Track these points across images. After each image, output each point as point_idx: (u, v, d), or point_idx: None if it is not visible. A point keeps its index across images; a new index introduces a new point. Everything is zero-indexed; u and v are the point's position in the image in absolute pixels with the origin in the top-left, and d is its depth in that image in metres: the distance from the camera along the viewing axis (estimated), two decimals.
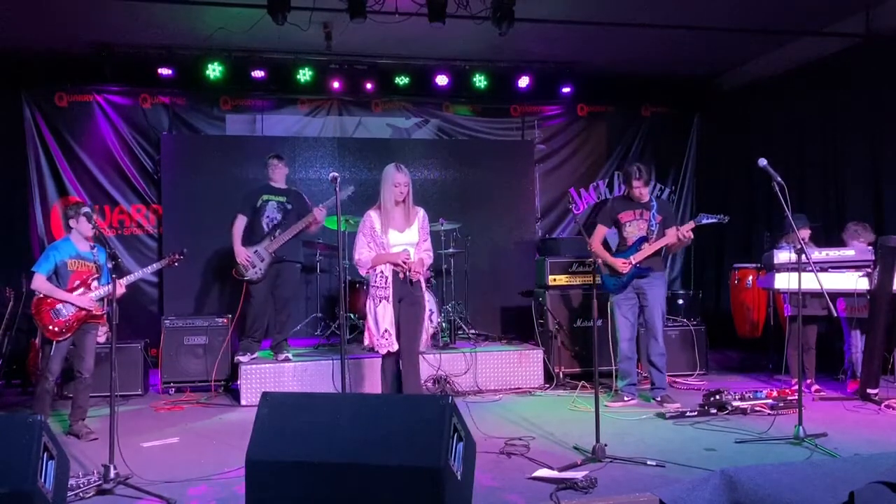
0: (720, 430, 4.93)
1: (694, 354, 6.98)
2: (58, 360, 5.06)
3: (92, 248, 5.20)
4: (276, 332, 6.49)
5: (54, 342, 5.00)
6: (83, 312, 5.06)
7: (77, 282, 5.08)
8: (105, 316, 5.17)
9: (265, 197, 6.43)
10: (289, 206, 6.43)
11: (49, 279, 5.03)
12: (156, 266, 5.80)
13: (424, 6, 5.94)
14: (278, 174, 6.49)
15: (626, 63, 8.24)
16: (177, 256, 5.59)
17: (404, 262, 4.75)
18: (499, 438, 4.70)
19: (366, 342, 4.97)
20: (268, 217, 6.39)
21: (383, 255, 4.79)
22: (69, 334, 5.04)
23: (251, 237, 6.37)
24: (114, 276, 4.38)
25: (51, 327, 4.98)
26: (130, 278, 5.28)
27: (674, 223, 5.87)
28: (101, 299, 5.13)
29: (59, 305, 5.00)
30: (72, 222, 5.18)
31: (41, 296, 5.01)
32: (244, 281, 6.36)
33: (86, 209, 5.14)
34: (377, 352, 4.89)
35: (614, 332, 5.92)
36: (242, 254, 6.27)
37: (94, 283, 5.13)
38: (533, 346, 6.95)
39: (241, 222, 6.38)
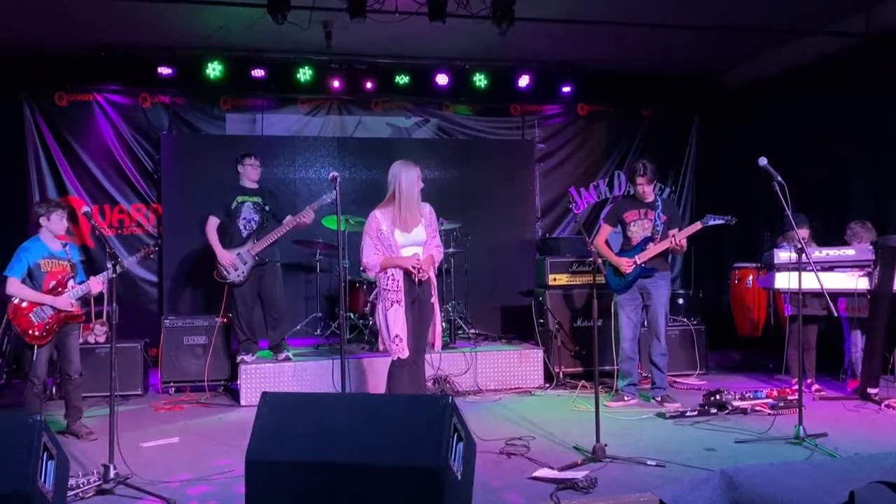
0: (720, 430, 4.93)
1: (694, 354, 6.98)
2: (41, 363, 4.93)
3: (64, 245, 5.08)
4: (271, 331, 6.49)
5: (35, 347, 4.86)
6: (63, 314, 4.93)
7: (53, 282, 4.94)
8: (104, 315, 5.15)
9: (240, 198, 6.36)
10: (266, 207, 6.39)
11: (23, 282, 4.88)
12: (132, 259, 5.63)
13: (424, 5, 5.94)
14: (254, 173, 6.41)
15: (626, 63, 8.23)
16: (152, 248, 5.46)
17: (414, 267, 4.60)
18: (499, 438, 4.70)
19: (380, 346, 4.86)
20: (244, 219, 6.34)
21: (392, 258, 4.62)
22: (50, 337, 4.91)
23: (228, 240, 6.33)
24: (114, 275, 4.35)
25: (31, 332, 4.84)
26: (107, 274, 4.96)
27: (678, 224, 5.87)
28: (80, 298, 5.02)
29: (37, 308, 4.86)
30: (42, 220, 5.00)
31: (17, 300, 4.86)
32: (226, 284, 6.34)
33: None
34: (387, 354, 4.75)
35: (618, 332, 5.92)
36: (227, 256, 6.23)
37: (71, 283, 4.99)
38: (533, 345, 6.95)
39: (214, 224, 6.34)
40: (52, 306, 4.90)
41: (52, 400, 6.06)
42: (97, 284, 5.01)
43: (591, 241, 5.24)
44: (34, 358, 4.88)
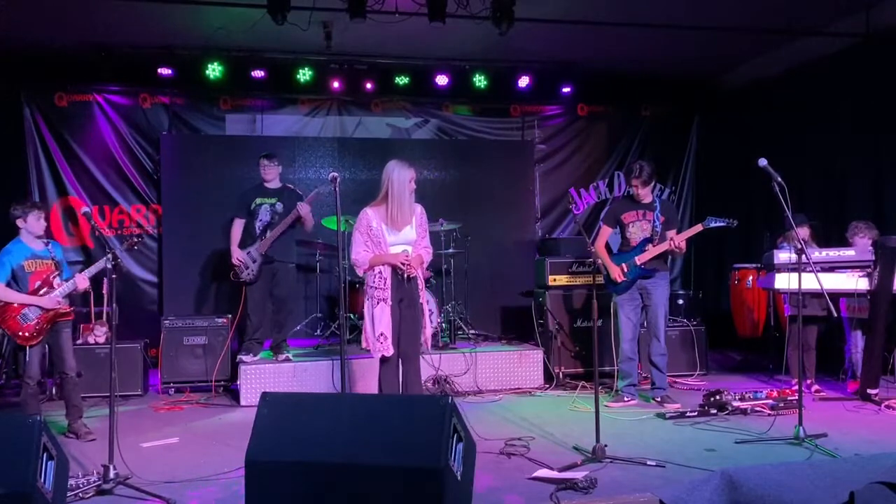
0: (720, 431, 4.93)
1: (694, 354, 6.98)
2: (35, 363, 4.93)
3: (46, 244, 5.09)
4: (276, 332, 6.50)
5: (28, 347, 4.86)
6: (51, 312, 4.94)
7: (38, 282, 4.94)
8: (105, 315, 5.15)
9: (258, 200, 6.45)
10: (279, 208, 6.42)
11: (8, 285, 4.87)
12: (119, 249, 5.55)
13: (424, 6, 5.94)
14: (269, 174, 6.47)
15: (626, 63, 8.23)
16: (135, 240, 5.48)
17: (403, 264, 4.65)
18: (499, 438, 4.70)
19: (363, 344, 4.86)
20: (260, 220, 6.42)
21: (381, 255, 4.67)
22: (41, 337, 4.91)
23: (247, 239, 6.42)
24: (114, 276, 4.34)
25: (21, 333, 4.85)
26: (92, 270, 5.01)
27: (676, 225, 5.89)
28: (67, 296, 5.02)
29: (24, 310, 4.86)
30: (19, 222, 4.98)
31: (3, 303, 4.85)
32: (240, 283, 6.40)
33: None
34: (372, 354, 4.79)
35: (618, 332, 5.92)
36: (235, 255, 6.34)
37: (57, 281, 4.99)
38: (533, 346, 6.94)
39: (238, 226, 6.45)
40: (38, 306, 4.90)
41: (52, 400, 6.06)
42: (83, 281, 5.01)
43: (592, 243, 5.23)
44: (28, 358, 4.88)
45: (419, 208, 4.86)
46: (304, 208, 6.24)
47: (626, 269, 5.76)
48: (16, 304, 4.86)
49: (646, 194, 5.81)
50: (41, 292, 4.93)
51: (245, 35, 6.87)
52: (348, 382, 5.52)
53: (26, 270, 4.94)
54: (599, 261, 5.73)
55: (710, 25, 6.94)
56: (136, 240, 5.46)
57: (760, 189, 7.83)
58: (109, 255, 4.27)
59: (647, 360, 5.97)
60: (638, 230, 5.82)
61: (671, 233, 5.76)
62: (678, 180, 9.50)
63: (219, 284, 7.79)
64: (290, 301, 6.59)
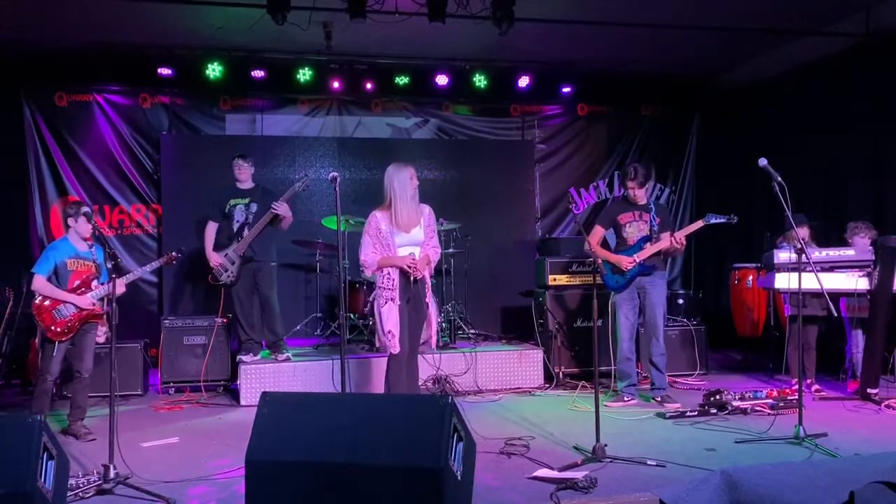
0: (720, 430, 4.93)
1: (694, 354, 6.99)
2: (57, 360, 5.06)
3: (90, 247, 5.20)
4: (268, 332, 6.49)
5: (56, 343, 4.99)
6: (84, 312, 5.06)
7: (77, 282, 5.09)
8: (105, 315, 5.17)
9: (232, 201, 6.47)
10: (253, 208, 6.42)
11: (49, 280, 5.03)
12: (154, 265, 5.77)
13: (424, 6, 5.94)
14: (243, 174, 6.48)
15: (626, 63, 8.23)
16: (174, 255, 5.64)
17: (409, 266, 4.71)
18: (499, 438, 4.70)
19: (377, 343, 4.98)
20: (236, 220, 6.43)
21: (389, 258, 4.73)
22: (71, 334, 5.04)
23: (224, 242, 6.42)
24: (113, 275, 4.36)
25: (53, 328, 4.98)
26: (129, 277, 5.27)
27: (670, 228, 5.88)
28: (101, 298, 5.14)
29: (60, 306, 5.00)
30: (70, 221, 5.17)
31: (42, 297, 5.00)
32: (220, 286, 6.42)
33: (86, 209, 5.14)
34: (384, 352, 4.88)
35: (615, 332, 5.92)
36: (214, 259, 6.36)
37: (95, 283, 5.14)
38: (533, 346, 6.94)
39: (211, 228, 6.48)
40: (74, 304, 5.01)
41: (53, 399, 6.06)
42: (120, 285, 5.08)
43: (588, 243, 5.24)
44: (53, 353, 5.00)
45: (427, 209, 4.91)
46: (281, 207, 6.24)
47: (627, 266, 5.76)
48: (52, 300, 4.99)
49: (641, 196, 5.83)
50: (78, 291, 5.06)
51: (245, 35, 6.87)
52: (350, 382, 5.51)
53: (68, 268, 5.09)
54: (600, 260, 5.73)
55: (710, 25, 6.94)
56: (175, 254, 5.60)
57: (760, 189, 7.85)
58: (109, 256, 4.30)
59: (646, 360, 5.97)
60: (635, 230, 5.83)
61: (666, 234, 5.75)
62: (678, 180, 9.50)
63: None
64: (276, 299, 6.55)
